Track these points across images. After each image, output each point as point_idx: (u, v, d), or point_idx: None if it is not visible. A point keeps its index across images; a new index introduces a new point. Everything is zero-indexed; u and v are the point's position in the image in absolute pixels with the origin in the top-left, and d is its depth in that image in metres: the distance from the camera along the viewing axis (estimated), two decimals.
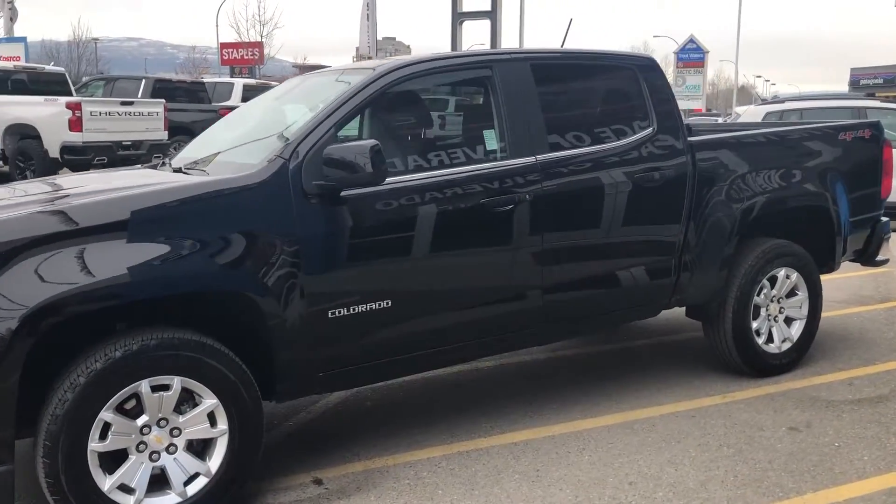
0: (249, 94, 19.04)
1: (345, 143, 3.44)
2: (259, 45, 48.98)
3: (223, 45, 47.90)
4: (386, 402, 4.70)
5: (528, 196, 3.93)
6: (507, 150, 3.98)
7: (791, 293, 5.01)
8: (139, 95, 16.65)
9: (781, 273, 4.89)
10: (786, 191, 4.85)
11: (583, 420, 4.34)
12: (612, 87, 4.54)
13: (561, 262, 4.12)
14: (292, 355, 3.42)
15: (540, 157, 4.02)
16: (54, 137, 13.42)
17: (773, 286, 4.91)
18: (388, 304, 3.63)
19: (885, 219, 5.57)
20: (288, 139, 3.54)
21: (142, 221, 3.13)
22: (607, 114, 4.46)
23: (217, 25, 51.86)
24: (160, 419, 3.18)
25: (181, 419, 3.22)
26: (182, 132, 16.01)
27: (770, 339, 4.95)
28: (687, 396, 4.66)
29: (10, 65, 15.03)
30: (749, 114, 10.98)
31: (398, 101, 3.93)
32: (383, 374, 3.93)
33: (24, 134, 13.75)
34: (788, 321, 5.03)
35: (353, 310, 3.55)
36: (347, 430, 4.26)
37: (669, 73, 46.90)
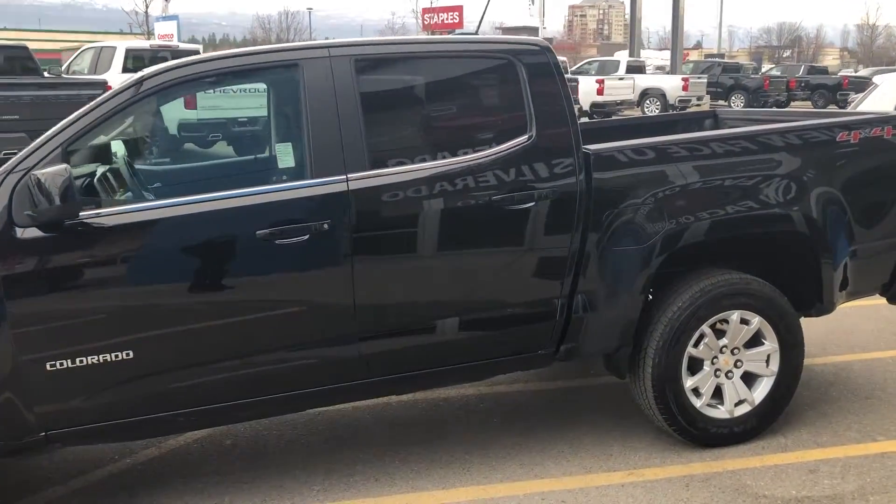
0: None
1: (46, 168, 2.91)
2: (459, 8, 48.97)
3: (425, 10, 48.38)
4: (253, 442, 4.16)
5: (325, 226, 3.21)
6: (307, 169, 3.27)
7: (754, 342, 3.87)
8: None
9: (734, 317, 3.77)
10: (737, 212, 3.70)
11: (430, 491, 3.58)
12: (474, 85, 3.64)
13: (382, 305, 3.37)
14: None
15: (353, 176, 3.27)
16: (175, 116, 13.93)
17: (723, 333, 3.81)
18: (128, 355, 3.09)
19: None
20: None
21: None
22: (463, 119, 3.60)
23: None
24: None
25: None
26: None
27: (718, 401, 3.87)
28: (584, 468, 3.73)
29: (146, 44, 15.80)
30: (890, 83, 8.96)
31: (161, 114, 3.34)
32: (134, 434, 3.39)
33: None
34: (750, 378, 3.91)
35: (82, 362, 3.05)
36: (175, 476, 3.79)
37: None
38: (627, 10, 32.07)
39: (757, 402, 3.88)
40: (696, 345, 3.75)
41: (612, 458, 3.82)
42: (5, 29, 65.52)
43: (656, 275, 3.65)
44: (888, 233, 4.04)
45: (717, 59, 35.05)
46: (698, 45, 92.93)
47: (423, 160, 3.41)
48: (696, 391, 3.80)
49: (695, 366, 3.80)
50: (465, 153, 3.44)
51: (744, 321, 3.80)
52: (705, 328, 3.74)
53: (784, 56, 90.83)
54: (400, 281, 3.38)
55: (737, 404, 3.86)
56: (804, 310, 4.02)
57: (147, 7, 30.00)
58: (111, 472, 3.89)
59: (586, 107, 22.62)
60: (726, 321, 3.78)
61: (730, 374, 3.85)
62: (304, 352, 3.32)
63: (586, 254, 3.57)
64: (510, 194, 3.43)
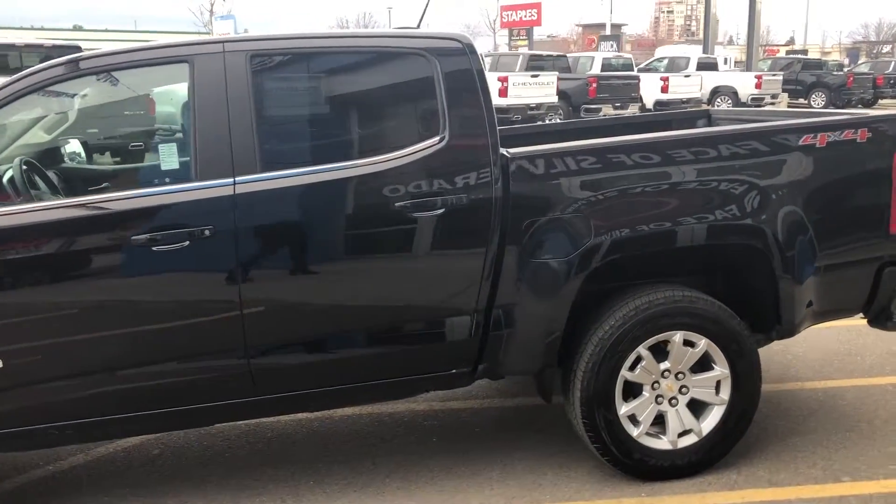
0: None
1: None
2: (537, 5, 48.22)
3: (504, 8, 47.86)
4: (178, 453, 4.01)
5: (207, 232, 3.02)
6: (193, 171, 3.08)
7: (703, 367, 3.51)
8: None
9: (677, 338, 3.42)
10: (675, 223, 3.35)
11: None
12: (383, 83, 3.37)
13: (273, 318, 3.15)
14: None
15: (241, 179, 3.07)
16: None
17: (665, 356, 3.45)
18: None
19: None
20: None
21: None
22: (368, 120, 3.34)
23: None
24: None
25: None
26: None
27: (661, 430, 3.51)
28: (507, 498, 3.43)
29: None
30: None
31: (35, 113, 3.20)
32: (6, 446, 3.24)
33: None
34: (698, 406, 3.54)
35: None
36: (90, 487, 3.67)
37: None
38: (714, 6, 30.99)
39: (705, 432, 3.51)
40: (632, 368, 3.41)
41: (541, 489, 3.52)
42: (106, 31, 68.14)
43: (588, 290, 3.34)
44: (862, 247, 3.61)
45: (797, 56, 33.55)
46: (791, 42, 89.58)
47: (321, 163, 3.18)
48: (633, 419, 3.46)
49: (635, 391, 3.47)
50: (370, 156, 3.20)
51: (689, 343, 3.44)
52: (642, 350, 3.40)
53: (883, 52, 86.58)
54: (293, 293, 3.17)
55: (681, 435, 3.50)
56: (764, 332, 3.62)
57: (212, 6, 30.92)
58: (29, 480, 3.80)
59: (650, 105, 21.92)
60: (670, 342, 3.43)
61: (674, 402, 3.49)
62: (187, 366, 3.13)
63: (504, 266, 3.28)
64: (415, 201, 3.17)
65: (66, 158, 3.46)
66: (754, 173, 3.40)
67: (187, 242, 3.00)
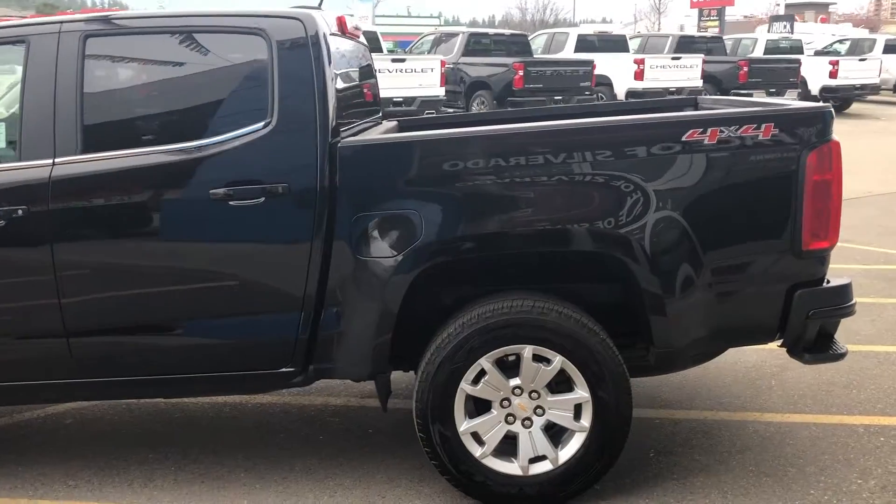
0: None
1: None
2: None
3: None
4: (89, 424, 4.12)
5: (20, 212, 3.03)
6: (17, 150, 3.11)
7: (562, 387, 3.12)
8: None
9: (526, 353, 3.06)
10: (511, 225, 3.00)
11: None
12: (215, 64, 3.23)
13: (89, 302, 3.13)
14: None
15: (60, 161, 3.06)
16: None
17: (515, 371, 3.10)
18: None
19: (842, 283, 3.13)
20: None
21: None
22: (196, 102, 3.22)
23: None
24: None
25: None
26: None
27: (511, 453, 3.16)
28: None
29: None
30: None
31: None
32: None
33: None
34: (559, 432, 3.16)
35: None
36: None
37: None
38: None
39: (562, 461, 3.12)
40: (475, 382, 3.10)
41: (382, 501, 3.28)
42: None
43: (440, 294, 3.10)
44: (765, 264, 3.06)
45: None
46: None
47: (144, 146, 3.11)
48: (476, 437, 3.14)
49: (477, 406, 3.15)
50: (191, 140, 3.08)
51: (542, 359, 3.07)
52: (485, 363, 3.06)
53: None
54: (107, 278, 3.12)
55: (533, 460, 3.14)
56: (640, 352, 3.18)
57: None
58: None
59: (815, 91, 20.05)
60: (519, 356, 3.08)
61: (527, 423, 3.13)
62: (10, 344, 3.18)
63: (333, 262, 3.07)
64: (234, 188, 3.02)
65: None
66: (617, 172, 2.96)
67: (3, 223, 3.03)
